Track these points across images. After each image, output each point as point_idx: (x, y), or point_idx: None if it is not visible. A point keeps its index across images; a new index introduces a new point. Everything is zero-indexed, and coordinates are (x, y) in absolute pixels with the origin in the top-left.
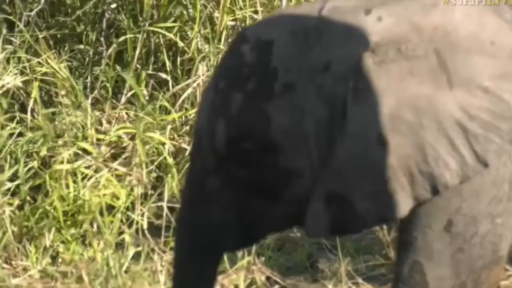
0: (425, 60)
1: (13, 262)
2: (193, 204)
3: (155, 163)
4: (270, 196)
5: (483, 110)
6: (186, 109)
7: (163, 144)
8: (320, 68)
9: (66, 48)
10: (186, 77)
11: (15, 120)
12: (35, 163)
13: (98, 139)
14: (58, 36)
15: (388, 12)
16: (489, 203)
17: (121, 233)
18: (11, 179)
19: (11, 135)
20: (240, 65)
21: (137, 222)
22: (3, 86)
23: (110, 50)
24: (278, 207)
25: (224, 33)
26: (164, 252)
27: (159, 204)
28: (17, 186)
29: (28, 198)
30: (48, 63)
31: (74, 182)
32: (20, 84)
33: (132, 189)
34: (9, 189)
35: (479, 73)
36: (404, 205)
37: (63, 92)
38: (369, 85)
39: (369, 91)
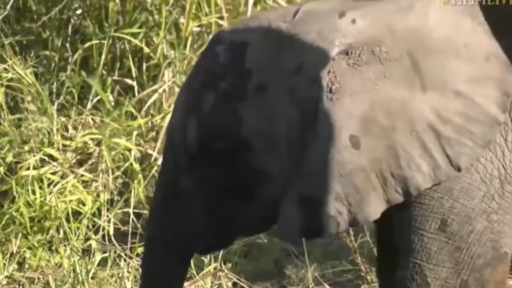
0: (399, 63)
1: None
2: (164, 203)
3: (121, 169)
4: (241, 196)
5: (456, 114)
6: (152, 115)
7: (129, 150)
8: (293, 71)
9: (31, 54)
10: (152, 83)
11: None
12: (1, 169)
13: (64, 145)
14: (24, 42)
15: (362, 15)
16: (482, 200)
17: (87, 239)
18: None
19: None
20: (214, 66)
21: (104, 228)
22: None
23: (75, 56)
24: (250, 209)
25: (190, 39)
26: (131, 258)
27: (126, 210)
28: None
29: None
30: (14, 69)
31: (40, 188)
32: None
33: (98, 195)
34: None
35: (453, 76)
36: (376, 208)
37: (29, 98)
38: (343, 87)
39: (342, 93)
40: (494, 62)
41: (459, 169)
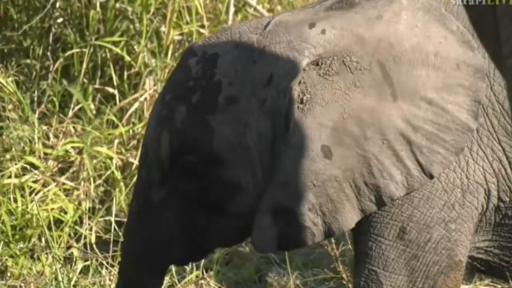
0: (369, 72)
1: None
2: (139, 215)
3: (103, 177)
4: (215, 209)
5: (427, 122)
6: (134, 123)
7: (111, 158)
8: (263, 82)
9: (13, 63)
10: (133, 91)
11: None
12: None
13: (45, 154)
14: (5, 50)
15: (332, 25)
16: (441, 210)
17: (69, 247)
18: None
19: None
20: (186, 79)
21: (85, 237)
22: None
23: (57, 65)
24: (223, 221)
25: (171, 47)
26: (113, 266)
27: (107, 218)
28: None
29: None
30: None
31: (22, 196)
32: None
33: (79, 204)
34: None
35: (423, 84)
36: (350, 218)
37: (10, 107)
38: (314, 98)
39: (314, 103)
40: (464, 70)
41: (431, 177)
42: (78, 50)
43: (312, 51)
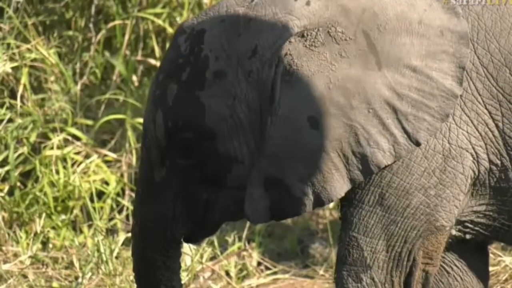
0: (354, 42)
1: (3, 248)
2: (144, 196)
3: None
4: (214, 183)
5: (412, 89)
6: None
7: None
8: (248, 54)
9: (55, 34)
10: None
11: (5, 106)
12: (25, 149)
13: (87, 125)
14: (47, 22)
15: None
16: (421, 176)
17: (111, 218)
18: (0, 165)
19: (0, 121)
20: (176, 57)
21: (127, 208)
22: None
23: (99, 36)
24: (225, 194)
25: None
26: None
27: None
28: (7, 171)
29: (18, 183)
30: (37, 49)
31: (64, 168)
32: (10, 70)
33: (122, 175)
34: None
35: (407, 52)
36: (340, 187)
37: (52, 78)
38: (300, 69)
39: (300, 74)
40: (448, 37)
41: (418, 144)
42: (120, 21)
43: (297, 22)
